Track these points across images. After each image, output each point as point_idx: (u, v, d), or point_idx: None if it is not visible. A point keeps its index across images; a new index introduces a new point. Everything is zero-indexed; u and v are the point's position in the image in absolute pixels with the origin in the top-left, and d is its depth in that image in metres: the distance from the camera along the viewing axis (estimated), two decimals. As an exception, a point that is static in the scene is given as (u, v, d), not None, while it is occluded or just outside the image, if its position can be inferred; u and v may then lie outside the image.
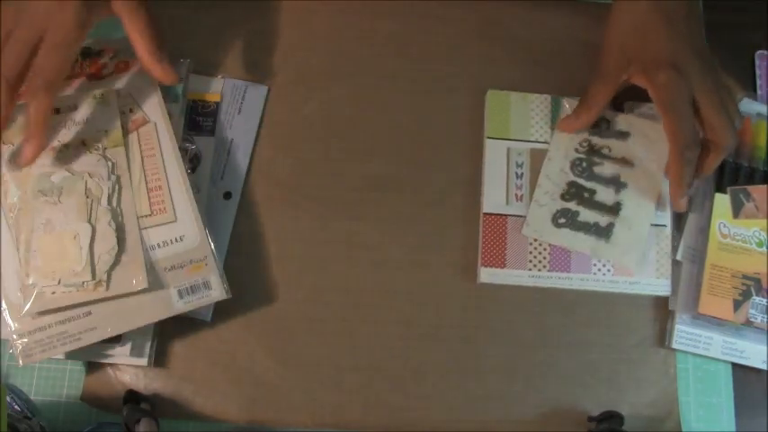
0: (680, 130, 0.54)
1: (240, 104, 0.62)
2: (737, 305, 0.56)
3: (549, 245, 0.59)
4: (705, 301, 0.56)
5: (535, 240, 0.59)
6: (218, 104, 0.61)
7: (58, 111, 0.55)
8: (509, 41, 0.65)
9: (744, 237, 0.58)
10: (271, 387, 0.56)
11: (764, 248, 0.58)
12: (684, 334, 0.57)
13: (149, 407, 0.53)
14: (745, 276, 0.57)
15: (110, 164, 0.54)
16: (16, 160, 0.53)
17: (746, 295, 0.57)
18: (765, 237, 0.58)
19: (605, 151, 0.60)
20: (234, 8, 0.64)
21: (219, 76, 0.62)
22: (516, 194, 0.60)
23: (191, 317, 0.55)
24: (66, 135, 0.55)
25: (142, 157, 0.55)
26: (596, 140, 0.61)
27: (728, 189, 0.59)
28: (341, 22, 0.64)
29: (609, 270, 0.58)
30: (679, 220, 0.60)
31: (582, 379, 0.57)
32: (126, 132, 0.56)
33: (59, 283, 0.51)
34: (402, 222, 0.60)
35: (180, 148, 0.56)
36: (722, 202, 0.59)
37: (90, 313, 0.51)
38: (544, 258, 0.58)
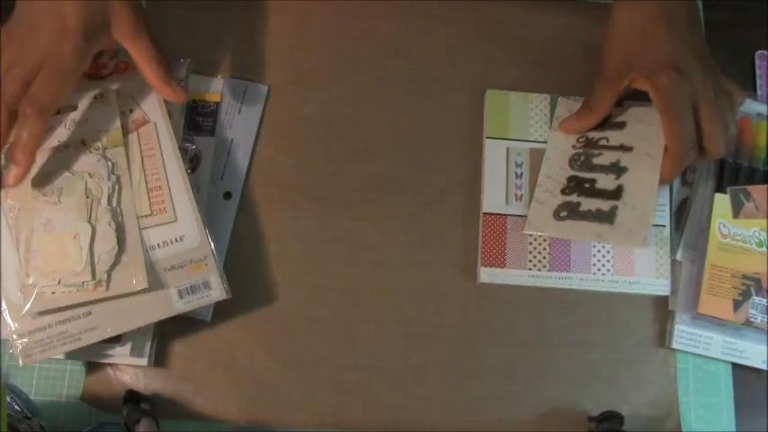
0: (680, 135, 0.54)
1: (240, 104, 0.62)
2: (737, 305, 0.56)
3: (549, 244, 0.59)
4: (705, 301, 0.56)
5: (535, 240, 0.59)
6: (218, 104, 0.61)
7: (57, 111, 0.55)
8: (509, 41, 0.65)
9: (744, 237, 0.58)
10: (271, 387, 0.56)
11: (764, 248, 0.58)
12: (684, 334, 0.57)
13: (149, 407, 0.53)
14: (745, 276, 0.57)
15: (110, 164, 0.54)
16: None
17: (746, 295, 0.57)
18: (765, 237, 0.58)
19: (603, 142, 0.60)
20: (234, 8, 0.64)
21: (219, 76, 0.62)
22: (516, 194, 0.60)
23: (191, 317, 0.55)
24: (65, 135, 0.55)
25: (142, 157, 0.55)
26: (593, 134, 0.60)
27: (728, 189, 0.59)
28: (341, 22, 0.64)
29: (609, 270, 0.58)
30: (679, 220, 0.60)
31: (582, 379, 0.57)
32: (126, 132, 0.56)
33: (59, 283, 0.51)
34: (402, 222, 0.60)
35: (180, 148, 0.56)
36: (722, 202, 0.58)
37: (90, 313, 0.51)
38: (544, 258, 0.58)
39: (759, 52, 0.65)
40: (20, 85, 0.50)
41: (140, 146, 0.56)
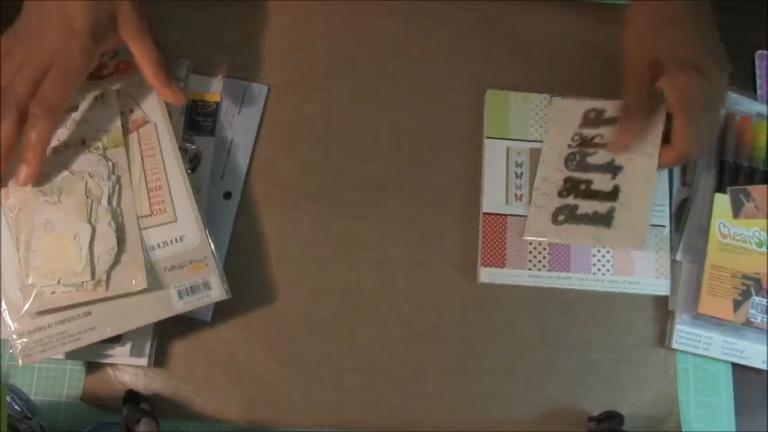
0: (691, 136, 0.53)
1: (240, 104, 0.62)
2: (737, 305, 0.56)
3: (549, 244, 0.59)
4: (705, 301, 0.56)
5: (535, 239, 0.59)
6: (218, 104, 0.61)
7: (58, 111, 0.55)
8: (509, 41, 0.65)
9: (744, 237, 0.58)
10: (271, 387, 0.56)
11: (764, 248, 0.58)
12: (684, 334, 0.57)
13: (149, 407, 0.53)
14: (745, 276, 0.57)
15: (110, 164, 0.54)
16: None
17: (746, 295, 0.56)
18: (765, 237, 0.58)
19: (598, 140, 0.59)
20: (234, 8, 0.64)
21: (219, 76, 0.62)
22: (516, 194, 0.60)
23: (191, 317, 0.55)
24: (65, 135, 0.55)
25: (142, 157, 0.55)
26: (588, 131, 0.60)
27: (728, 189, 0.59)
28: (341, 22, 0.64)
29: (609, 270, 0.58)
30: (679, 220, 0.60)
31: (582, 379, 0.57)
32: (126, 132, 0.56)
33: (59, 282, 0.51)
34: (402, 222, 0.60)
35: (180, 148, 0.56)
36: (722, 202, 0.58)
37: (90, 313, 0.51)
38: (544, 258, 0.58)
39: (759, 52, 0.65)
40: (30, 85, 0.50)
41: (140, 146, 0.56)
